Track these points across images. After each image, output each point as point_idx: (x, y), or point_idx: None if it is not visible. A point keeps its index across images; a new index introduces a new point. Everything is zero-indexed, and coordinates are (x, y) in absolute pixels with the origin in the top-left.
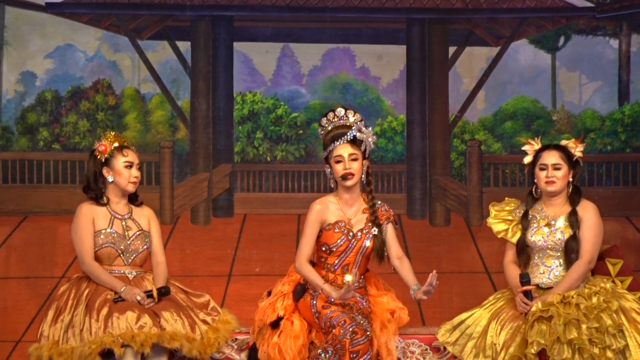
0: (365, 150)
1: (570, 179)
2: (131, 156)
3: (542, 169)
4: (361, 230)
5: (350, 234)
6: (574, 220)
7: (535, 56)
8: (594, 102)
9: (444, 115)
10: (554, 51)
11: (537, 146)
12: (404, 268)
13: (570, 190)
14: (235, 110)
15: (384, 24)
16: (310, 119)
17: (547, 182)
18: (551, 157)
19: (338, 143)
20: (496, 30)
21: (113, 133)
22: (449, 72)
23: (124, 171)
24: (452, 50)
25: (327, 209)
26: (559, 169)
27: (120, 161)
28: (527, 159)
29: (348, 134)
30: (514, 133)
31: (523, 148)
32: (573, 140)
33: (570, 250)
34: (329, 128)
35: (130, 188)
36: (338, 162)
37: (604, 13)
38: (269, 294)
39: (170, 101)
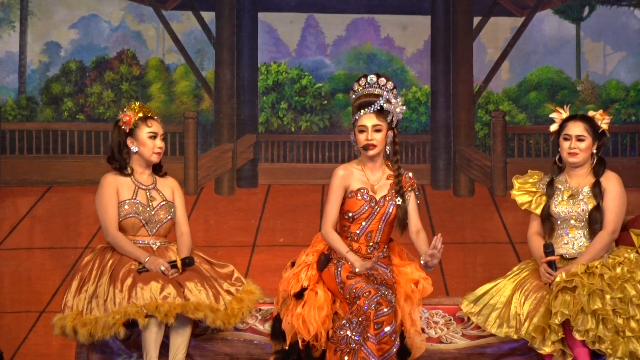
0: (392, 120)
1: (594, 151)
2: (155, 127)
3: (566, 139)
4: (384, 197)
5: (374, 200)
6: (597, 191)
7: (559, 26)
8: (619, 72)
9: (469, 86)
10: (579, 21)
11: (564, 115)
12: (420, 240)
13: (594, 161)
14: (259, 80)
15: None
16: (335, 89)
17: (569, 153)
18: (576, 128)
19: (363, 112)
20: (521, 1)
21: (138, 103)
22: (473, 43)
23: (148, 141)
24: (476, 20)
25: (352, 175)
26: (582, 140)
27: (144, 132)
28: (554, 127)
29: (375, 104)
30: (538, 103)
31: (551, 115)
32: (600, 111)
33: (593, 221)
34: (359, 95)
35: (155, 158)
36: (362, 131)
37: None
38: (293, 264)
39: (194, 71)
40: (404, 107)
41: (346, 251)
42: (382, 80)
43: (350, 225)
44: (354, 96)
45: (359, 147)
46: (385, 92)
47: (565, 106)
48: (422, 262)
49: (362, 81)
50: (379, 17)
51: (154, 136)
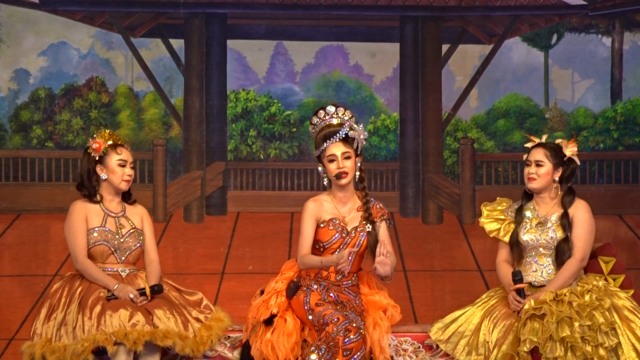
0: (357, 147)
1: (556, 178)
2: (125, 154)
3: (527, 165)
4: (355, 228)
5: (345, 231)
6: (565, 222)
7: (528, 54)
8: (587, 100)
9: (437, 113)
10: (547, 49)
11: (537, 142)
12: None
13: (562, 189)
14: (228, 108)
15: (377, 21)
16: (304, 116)
17: (528, 179)
18: (535, 154)
19: (330, 142)
20: (489, 28)
21: (107, 131)
22: (442, 70)
23: (117, 169)
24: (445, 48)
25: (322, 207)
26: (541, 165)
27: (114, 159)
28: (524, 157)
29: (340, 132)
30: (506, 131)
31: (526, 145)
32: (567, 140)
33: (562, 252)
34: (321, 126)
35: (124, 186)
36: (331, 161)
37: (596, 11)
38: (262, 292)
39: (163, 99)
40: (367, 134)
41: (320, 260)
42: (341, 110)
43: (322, 255)
44: (313, 130)
45: (331, 177)
46: (347, 121)
47: (543, 135)
48: (374, 271)
49: (321, 113)
50: (347, 44)
51: (123, 164)
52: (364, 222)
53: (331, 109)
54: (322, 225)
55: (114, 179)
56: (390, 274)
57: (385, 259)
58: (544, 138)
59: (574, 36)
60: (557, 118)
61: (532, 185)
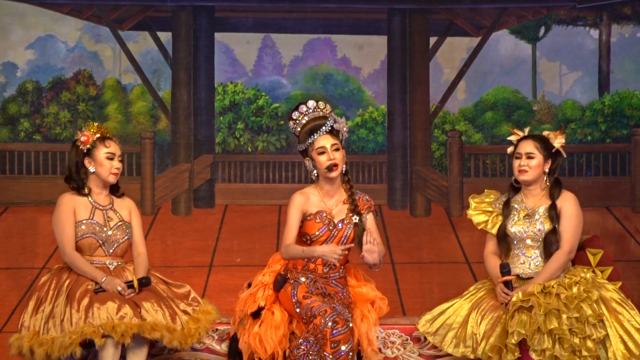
0: (342, 140)
1: (547, 170)
2: (113, 147)
3: (517, 158)
4: (342, 220)
5: (332, 224)
6: (553, 214)
7: (515, 46)
8: (574, 92)
9: (425, 106)
10: (535, 41)
11: (521, 136)
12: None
13: (549, 181)
14: (216, 100)
15: (365, 14)
16: (292, 109)
17: (520, 171)
18: (525, 146)
19: (318, 135)
20: (477, 21)
21: (96, 124)
22: (429, 63)
23: (105, 162)
24: (432, 40)
25: (308, 200)
26: (532, 157)
27: (102, 152)
28: (510, 149)
29: (326, 124)
30: (494, 123)
31: (509, 138)
32: (554, 132)
33: (549, 244)
34: (304, 121)
35: (112, 179)
36: (321, 153)
37: (584, 3)
38: (249, 285)
39: (151, 92)
40: (347, 127)
41: (302, 250)
42: (322, 104)
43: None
44: (295, 125)
45: (321, 170)
46: (330, 114)
47: (525, 128)
48: (362, 260)
49: (303, 108)
50: (335, 37)
51: (111, 157)
52: (350, 214)
53: (312, 103)
54: (309, 218)
55: (102, 172)
56: (378, 262)
57: (372, 246)
58: (526, 131)
59: (561, 28)
60: (544, 110)
61: (524, 177)
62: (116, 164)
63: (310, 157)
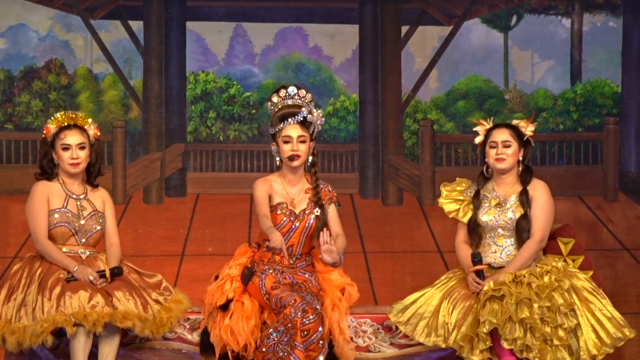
0: (313, 132)
1: (521, 158)
2: (69, 138)
3: (492, 147)
4: (304, 210)
5: (293, 214)
6: (524, 199)
7: (487, 35)
8: (546, 81)
9: (397, 95)
10: (507, 30)
11: (488, 126)
12: (336, 241)
13: (521, 169)
14: (188, 89)
15: (336, 3)
16: (263, 98)
17: (496, 160)
18: (501, 135)
19: (287, 123)
20: (449, 10)
21: (60, 114)
22: (401, 52)
23: (62, 153)
24: (404, 29)
25: (271, 186)
26: (508, 146)
27: (58, 144)
28: (479, 139)
29: (299, 114)
30: (466, 112)
31: (475, 129)
32: (524, 120)
33: (521, 230)
34: (280, 106)
35: (71, 169)
36: (286, 142)
37: None
38: (217, 278)
39: (122, 81)
40: (324, 120)
41: (267, 228)
42: (302, 92)
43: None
44: (272, 107)
45: (283, 158)
46: (307, 104)
47: (488, 118)
48: (321, 260)
49: (282, 92)
50: (307, 26)
51: (66, 147)
52: (312, 205)
53: (293, 89)
54: (270, 209)
55: (61, 163)
56: (338, 261)
57: (331, 246)
58: (491, 121)
59: (533, 17)
60: (516, 99)
61: (502, 166)
62: (73, 153)
63: (277, 142)
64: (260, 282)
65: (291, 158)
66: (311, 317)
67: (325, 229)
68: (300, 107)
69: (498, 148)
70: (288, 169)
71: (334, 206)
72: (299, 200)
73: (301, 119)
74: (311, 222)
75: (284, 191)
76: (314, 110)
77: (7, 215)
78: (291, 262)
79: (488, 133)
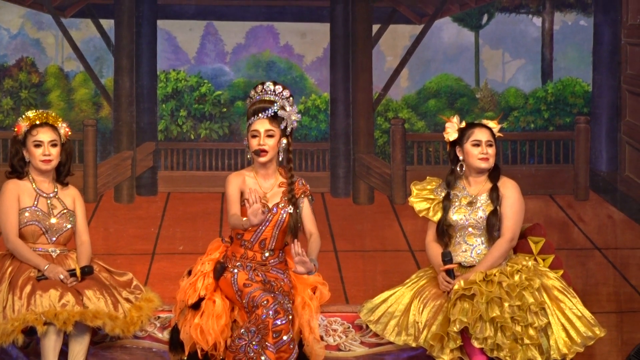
0: (286, 128)
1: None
2: (41, 135)
3: (475, 145)
4: (277, 204)
5: (266, 208)
6: (495, 196)
7: (458, 34)
8: (517, 80)
9: (368, 94)
10: (478, 29)
11: (457, 126)
12: (310, 243)
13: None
14: (158, 88)
15: (307, 1)
16: (234, 97)
17: (481, 159)
18: (484, 134)
19: (257, 117)
20: (419, 8)
21: (31, 112)
22: (372, 50)
23: (34, 150)
24: (375, 28)
25: (244, 181)
26: (491, 145)
27: (30, 141)
28: (453, 136)
29: (269, 109)
30: (437, 111)
31: (446, 125)
32: (493, 120)
33: (491, 226)
34: (254, 100)
35: (42, 166)
36: (254, 136)
37: None
38: (189, 273)
39: (93, 79)
40: (300, 116)
41: (242, 221)
42: (279, 88)
43: (244, 233)
44: (248, 102)
45: (251, 152)
46: (279, 99)
47: (457, 116)
48: (295, 271)
49: (259, 88)
50: (278, 24)
51: (39, 144)
52: (285, 200)
53: (270, 85)
54: (243, 203)
55: (33, 161)
56: (312, 269)
57: (303, 257)
58: (455, 119)
59: (504, 16)
60: (487, 98)
61: (485, 166)
62: (45, 150)
63: (247, 137)
64: (232, 278)
65: (257, 152)
66: (282, 317)
67: (296, 240)
68: (272, 102)
69: (482, 147)
70: (258, 165)
71: (307, 203)
72: (272, 195)
73: (271, 113)
74: (284, 216)
75: (257, 185)
76: (288, 105)
77: None
78: (264, 257)
79: (467, 131)
